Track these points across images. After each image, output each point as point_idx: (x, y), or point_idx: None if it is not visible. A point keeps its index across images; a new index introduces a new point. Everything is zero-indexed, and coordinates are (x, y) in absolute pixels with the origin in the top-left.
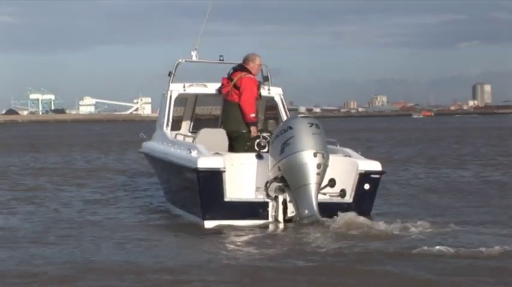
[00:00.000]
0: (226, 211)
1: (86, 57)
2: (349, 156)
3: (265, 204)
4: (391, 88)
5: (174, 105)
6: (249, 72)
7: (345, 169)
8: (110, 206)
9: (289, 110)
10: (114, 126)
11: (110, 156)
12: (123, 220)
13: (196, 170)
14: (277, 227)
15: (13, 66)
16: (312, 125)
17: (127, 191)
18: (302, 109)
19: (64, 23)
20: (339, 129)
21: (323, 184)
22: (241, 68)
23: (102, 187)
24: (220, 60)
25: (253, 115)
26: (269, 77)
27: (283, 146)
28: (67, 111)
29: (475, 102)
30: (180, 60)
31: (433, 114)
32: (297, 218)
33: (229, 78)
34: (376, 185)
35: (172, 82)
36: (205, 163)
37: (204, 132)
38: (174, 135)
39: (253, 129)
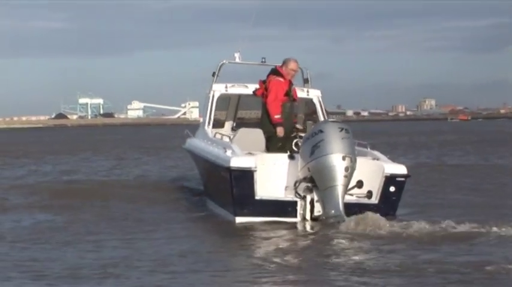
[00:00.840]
0: (256, 208)
1: (135, 62)
2: (377, 159)
3: (294, 203)
4: (440, 91)
5: (219, 107)
6: (281, 75)
7: (372, 172)
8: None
9: (337, 113)
10: (164, 130)
11: (161, 154)
12: (159, 214)
13: (229, 169)
14: (306, 229)
15: (63, 70)
16: (342, 129)
17: (171, 185)
18: (349, 113)
19: (114, 28)
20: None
21: (351, 185)
22: (275, 71)
23: (145, 184)
24: (262, 62)
25: (277, 116)
26: (309, 79)
27: (314, 148)
28: (115, 116)
29: None
30: (224, 61)
31: (469, 118)
32: (323, 218)
33: (264, 81)
34: (402, 188)
35: (215, 83)
36: (237, 162)
37: (242, 131)
38: (214, 133)
39: (279, 129)
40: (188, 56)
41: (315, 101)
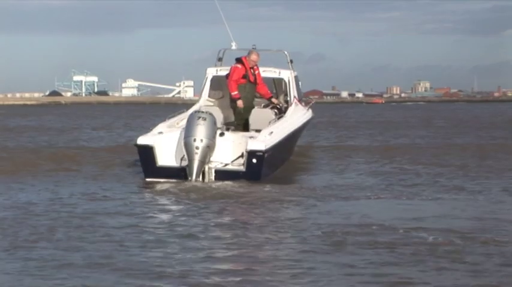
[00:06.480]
0: (158, 172)
1: (130, 40)
2: (251, 137)
3: (184, 169)
4: (436, 74)
5: (213, 87)
6: (242, 63)
7: (244, 147)
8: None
9: (332, 94)
10: (159, 108)
11: None
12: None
13: (136, 145)
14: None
15: (57, 48)
16: (199, 118)
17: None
18: (344, 94)
19: (110, 5)
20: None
21: (237, 155)
22: (238, 59)
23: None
24: (253, 48)
25: (234, 93)
26: (289, 61)
27: (184, 131)
28: (110, 94)
29: None
30: (223, 49)
31: (383, 101)
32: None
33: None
34: (261, 160)
35: (214, 67)
36: (141, 140)
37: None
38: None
39: (238, 103)
40: (185, 35)
41: (286, 80)
